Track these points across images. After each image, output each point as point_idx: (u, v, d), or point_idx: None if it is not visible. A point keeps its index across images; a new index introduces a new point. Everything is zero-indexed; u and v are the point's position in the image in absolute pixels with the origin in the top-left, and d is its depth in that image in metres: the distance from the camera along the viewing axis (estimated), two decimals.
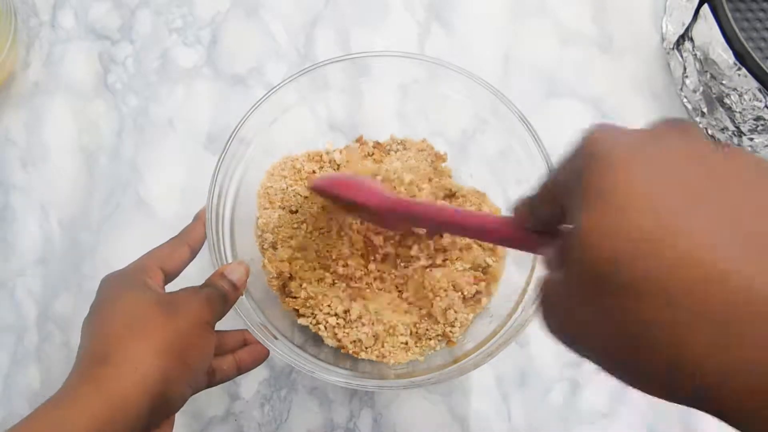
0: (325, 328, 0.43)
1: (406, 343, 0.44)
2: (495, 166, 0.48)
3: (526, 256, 0.44)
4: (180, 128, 0.56)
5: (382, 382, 0.40)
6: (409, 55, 0.45)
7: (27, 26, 0.59)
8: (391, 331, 0.43)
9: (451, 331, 0.44)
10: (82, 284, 0.52)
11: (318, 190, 0.44)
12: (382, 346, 0.43)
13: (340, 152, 0.49)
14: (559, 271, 0.21)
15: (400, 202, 0.39)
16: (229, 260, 0.41)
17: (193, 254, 0.41)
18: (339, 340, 0.43)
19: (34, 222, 0.53)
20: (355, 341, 0.43)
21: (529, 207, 0.27)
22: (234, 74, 0.57)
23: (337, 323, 0.43)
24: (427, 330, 0.44)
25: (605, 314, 0.19)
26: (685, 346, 0.17)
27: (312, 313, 0.43)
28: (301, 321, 0.43)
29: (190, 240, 0.41)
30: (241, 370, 0.41)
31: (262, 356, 0.42)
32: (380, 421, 0.48)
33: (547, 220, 0.25)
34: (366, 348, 0.43)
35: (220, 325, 0.37)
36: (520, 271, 0.45)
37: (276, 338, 0.40)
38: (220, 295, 0.37)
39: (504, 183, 0.49)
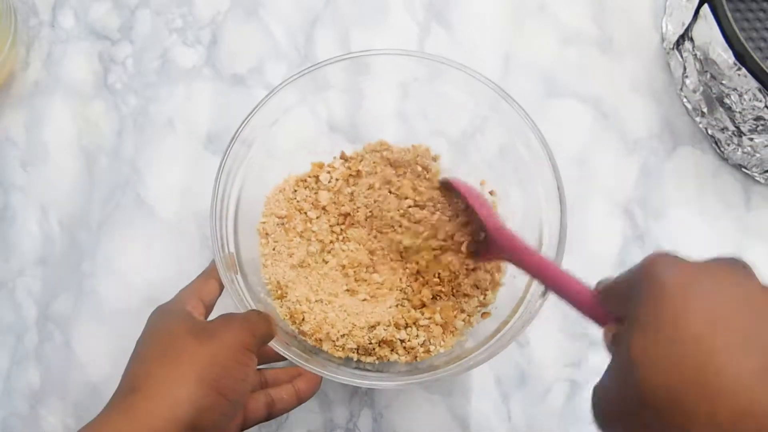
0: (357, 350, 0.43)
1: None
2: (495, 165, 0.48)
3: None
4: (180, 128, 0.56)
5: (382, 379, 0.40)
6: (409, 53, 0.45)
7: (27, 26, 0.59)
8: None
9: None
10: (82, 284, 0.52)
11: (451, 187, 0.45)
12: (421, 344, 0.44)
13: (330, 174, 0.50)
14: (610, 366, 0.24)
15: (510, 237, 0.40)
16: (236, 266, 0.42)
17: (221, 288, 0.42)
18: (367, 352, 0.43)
19: (34, 222, 0.53)
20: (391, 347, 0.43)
21: (606, 293, 0.29)
22: (234, 74, 0.57)
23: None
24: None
25: (648, 425, 0.21)
26: None
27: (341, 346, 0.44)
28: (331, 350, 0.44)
29: (216, 275, 0.41)
30: (301, 399, 0.41)
31: (318, 382, 0.42)
32: (380, 421, 0.48)
33: (619, 313, 0.27)
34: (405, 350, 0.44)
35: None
36: (521, 276, 0.45)
37: (325, 364, 0.40)
38: (262, 315, 0.37)
39: (504, 183, 0.49)
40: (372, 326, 0.43)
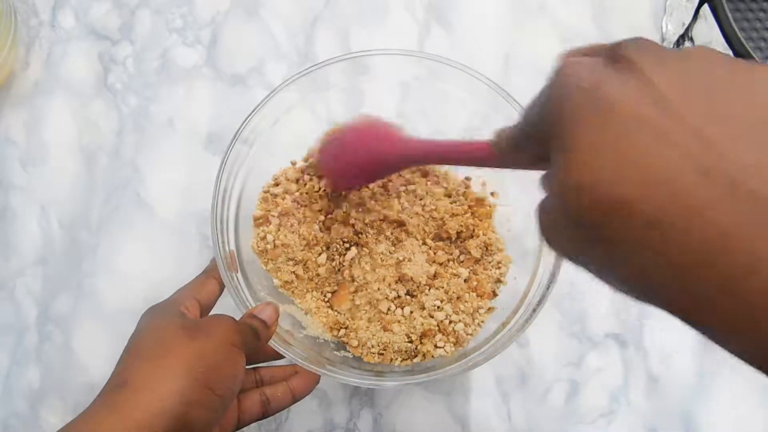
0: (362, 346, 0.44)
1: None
2: None
3: (528, 259, 0.44)
4: (180, 128, 0.56)
5: (382, 379, 0.40)
6: (409, 53, 0.45)
7: (27, 26, 0.59)
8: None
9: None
10: (82, 284, 0.52)
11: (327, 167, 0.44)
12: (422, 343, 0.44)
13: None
14: (547, 196, 0.23)
15: (414, 144, 0.40)
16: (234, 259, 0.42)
17: (222, 288, 0.42)
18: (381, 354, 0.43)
19: (34, 222, 0.53)
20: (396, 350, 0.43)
21: (513, 146, 0.27)
22: (234, 74, 0.57)
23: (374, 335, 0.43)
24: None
25: (588, 241, 0.20)
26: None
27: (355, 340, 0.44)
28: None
29: (217, 274, 0.41)
30: (296, 397, 0.41)
31: (314, 381, 0.41)
32: (380, 421, 0.48)
33: (535, 156, 0.25)
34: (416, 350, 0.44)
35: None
36: (522, 272, 0.45)
37: (326, 364, 0.40)
38: (251, 328, 0.37)
39: (504, 183, 0.49)
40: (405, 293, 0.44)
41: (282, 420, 0.48)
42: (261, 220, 0.46)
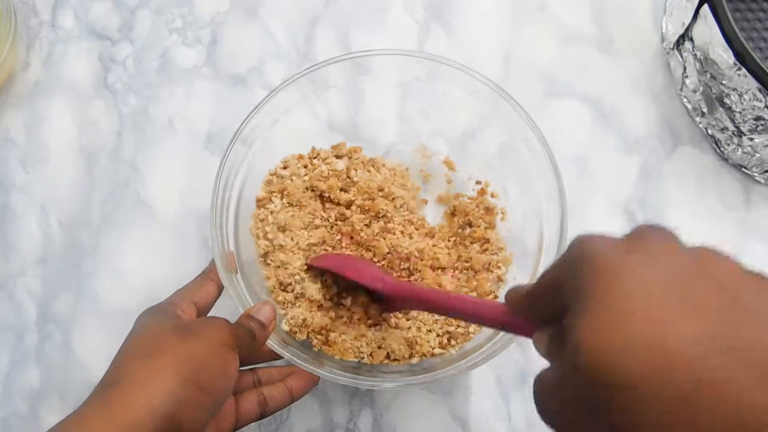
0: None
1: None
2: (495, 165, 0.48)
3: (527, 259, 0.44)
4: (180, 128, 0.56)
5: (382, 380, 0.40)
6: (409, 53, 0.45)
7: (27, 26, 0.59)
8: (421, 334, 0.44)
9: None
10: (82, 284, 0.52)
11: (319, 266, 0.44)
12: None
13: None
14: (554, 363, 0.23)
15: (402, 286, 0.40)
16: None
17: (220, 289, 0.42)
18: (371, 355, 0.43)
19: (34, 222, 0.53)
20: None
21: (528, 300, 0.27)
22: (234, 74, 0.57)
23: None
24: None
25: (599, 408, 0.20)
26: None
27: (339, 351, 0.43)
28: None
29: (214, 276, 0.41)
30: (294, 397, 0.41)
31: (312, 381, 0.41)
32: (380, 421, 0.48)
33: (548, 315, 0.26)
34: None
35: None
36: (522, 272, 0.45)
37: (323, 364, 0.40)
38: (247, 330, 0.37)
39: (504, 183, 0.49)
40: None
41: (282, 420, 0.48)
42: (263, 201, 0.46)
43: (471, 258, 0.46)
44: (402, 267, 0.45)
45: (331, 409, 0.49)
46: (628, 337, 0.19)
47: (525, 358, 0.50)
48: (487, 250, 0.47)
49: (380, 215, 0.46)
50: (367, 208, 0.46)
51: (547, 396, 0.23)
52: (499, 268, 0.46)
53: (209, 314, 0.41)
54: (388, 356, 0.43)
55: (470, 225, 0.48)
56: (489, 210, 0.48)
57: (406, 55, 0.45)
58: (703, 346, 0.18)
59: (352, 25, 0.59)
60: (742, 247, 0.52)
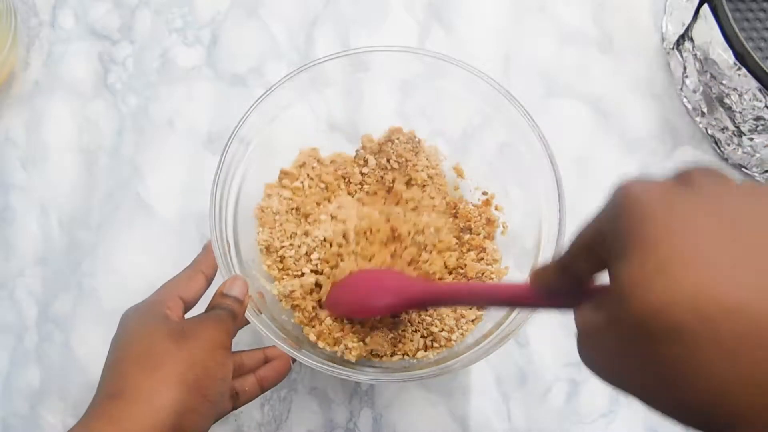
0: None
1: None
2: (495, 164, 0.48)
3: (526, 259, 0.44)
4: (180, 128, 0.56)
5: (378, 377, 0.40)
6: (409, 50, 0.45)
7: (27, 26, 0.59)
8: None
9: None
10: (82, 284, 0.52)
11: (336, 314, 0.43)
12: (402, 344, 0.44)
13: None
14: (596, 314, 0.22)
15: (431, 287, 0.39)
16: (234, 258, 0.42)
17: (209, 281, 0.41)
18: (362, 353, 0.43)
19: (34, 222, 0.53)
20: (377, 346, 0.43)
21: (556, 268, 0.27)
22: (234, 74, 0.57)
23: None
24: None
25: (646, 358, 0.19)
26: (724, 395, 0.18)
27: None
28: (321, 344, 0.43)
29: (204, 267, 0.41)
30: (264, 388, 0.41)
31: (284, 371, 0.41)
32: (380, 421, 0.48)
33: (584, 273, 0.25)
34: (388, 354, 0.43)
35: (236, 346, 0.37)
36: (519, 271, 0.45)
37: (300, 347, 0.40)
38: (228, 313, 0.37)
39: (504, 182, 0.49)
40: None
41: (282, 420, 0.48)
42: (290, 177, 0.47)
43: (466, 265, 0.46)
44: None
45: (331, 408, 0.49)
46: (678, 284, 0.18)
47: (525, 358, 0.50)
48: (482, 259, 0.47)
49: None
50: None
51: (591, 345, 0.22)
52: (491, 279, 0.46)
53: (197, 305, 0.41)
54: (370, 351, 0.43)
55: (470, 231, 0.48)
56: (490, 221, 0.48)
57: (405, 51, 0.45)
58: (758, 292, 0.17)
59: (352, 25, 0.59)
60: None
